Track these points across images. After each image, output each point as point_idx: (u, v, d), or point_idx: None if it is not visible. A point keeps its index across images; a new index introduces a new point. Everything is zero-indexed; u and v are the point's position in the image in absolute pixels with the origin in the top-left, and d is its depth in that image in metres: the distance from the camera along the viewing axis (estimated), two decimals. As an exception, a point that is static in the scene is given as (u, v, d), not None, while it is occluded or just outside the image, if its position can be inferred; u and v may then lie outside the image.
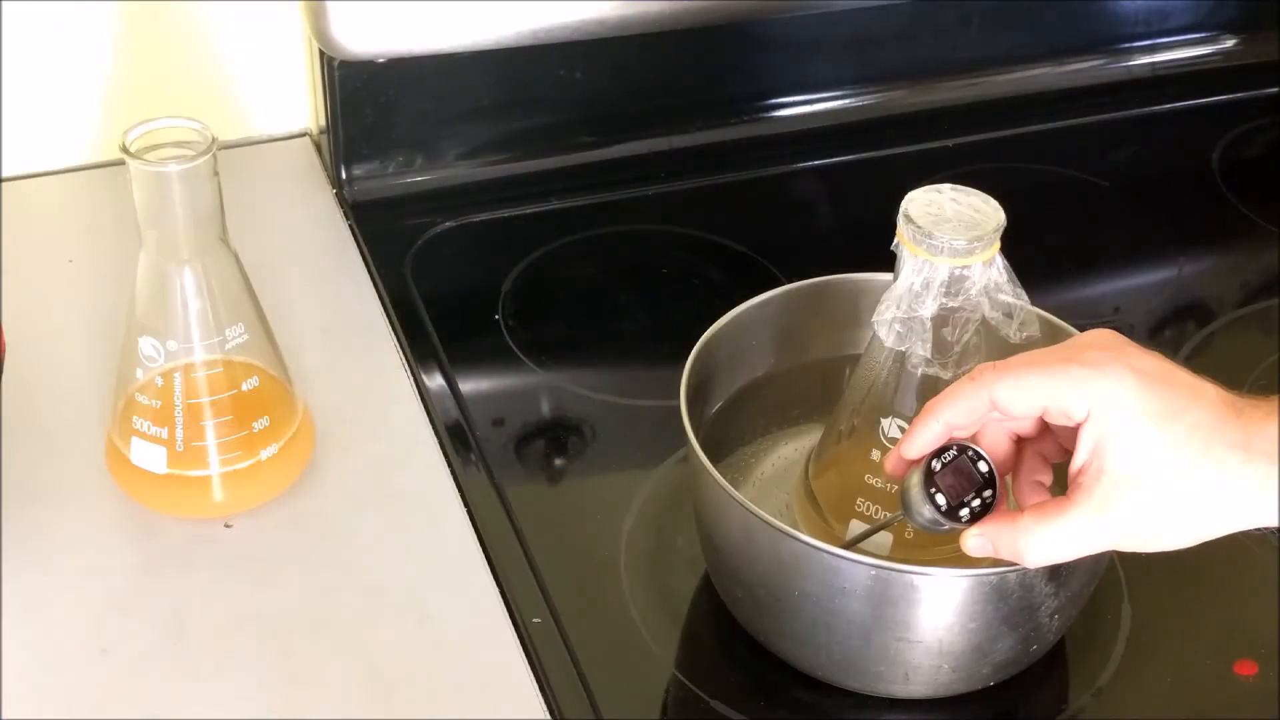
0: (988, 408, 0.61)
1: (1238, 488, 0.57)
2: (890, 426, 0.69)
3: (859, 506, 0.71)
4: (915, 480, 0.62)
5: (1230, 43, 1.20)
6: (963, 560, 0.70)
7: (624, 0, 0.95)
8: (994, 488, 0.62)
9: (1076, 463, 0.59)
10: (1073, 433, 0.60)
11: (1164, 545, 0.59)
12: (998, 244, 0.66)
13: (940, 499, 0.61)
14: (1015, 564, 0.61)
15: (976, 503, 0.62)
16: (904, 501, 0.63)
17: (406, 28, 0.92)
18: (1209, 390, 0.59)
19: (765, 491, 0.77)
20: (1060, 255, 1.00)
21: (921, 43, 1.11)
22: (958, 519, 0.62)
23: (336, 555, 0.75)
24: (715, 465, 0.67)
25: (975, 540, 0.61)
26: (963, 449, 0.62)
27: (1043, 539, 0.60)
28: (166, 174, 0.67)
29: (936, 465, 0.62)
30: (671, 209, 1.03)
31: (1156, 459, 0.58)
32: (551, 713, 0.69)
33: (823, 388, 0.79)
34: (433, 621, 0.72)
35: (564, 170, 1.05)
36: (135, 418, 0.73)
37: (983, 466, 0.62)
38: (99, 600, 0.72)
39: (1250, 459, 0.57)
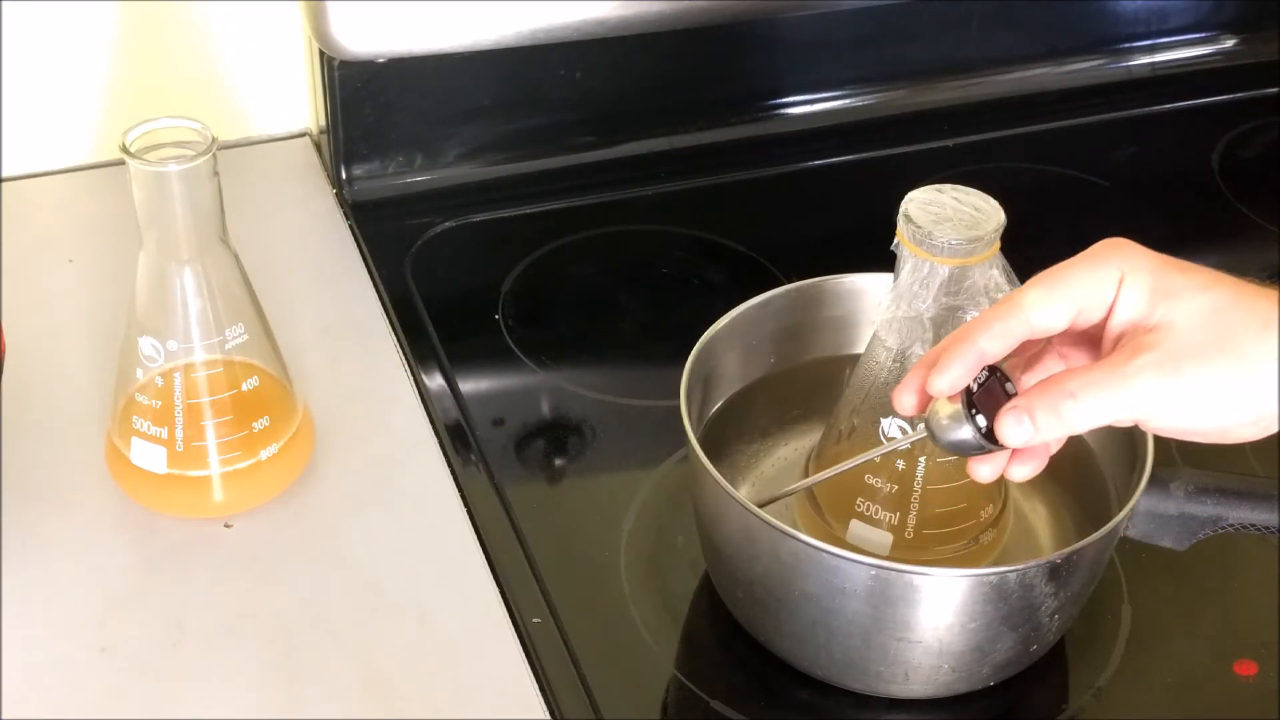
0: (1023, 328, 0.60)
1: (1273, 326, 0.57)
2: (890, 426, 0.69)
3: (859, 506, 0.71)
4: (944, 402, 0.61)
5: (1230, 43, 1.20)
6: (963, 560, 0.70)
7: (624, 0, 0.95)
8: None
9: (1118, 320, 0.59)
10: (1100, 329, 0.60)
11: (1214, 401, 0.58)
12: (998, 244, 0.66)
13: (981, 420, 0.60)
14: (1049, 443, 0.59)
15: None
16: (933, 426, 0.61)
17: (406, 28, 0.92)
18: None
19: (765, 491, 0.77)
20: (1060, 255, 0.99)
21: (921, 43, 1.11)
22: (995, 441, 0.60)
23: (336, 555, 0.75)
24: (715, 465, 0.67)
25: (1008, 420, 0.58)
26: (993, 371, 0.61)
27: (1093, 383, 0.57)
28: (166, 174, 0.67)
29: (974, 386, 0.60)
30: (671, 209, 1.03)
31: (1193, 297, 0.58)
32: (551, 713, 0.69)
33: (823, 388, 0.79)
34: (433, 621, 0.72)
35: (564, 170, 1.05)
36: (135, 418, 0.74)
37: (1010, 388, 0.61)
38: (99, 600, 0.72)
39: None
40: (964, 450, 0.61)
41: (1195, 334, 0.57)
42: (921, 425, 0.62)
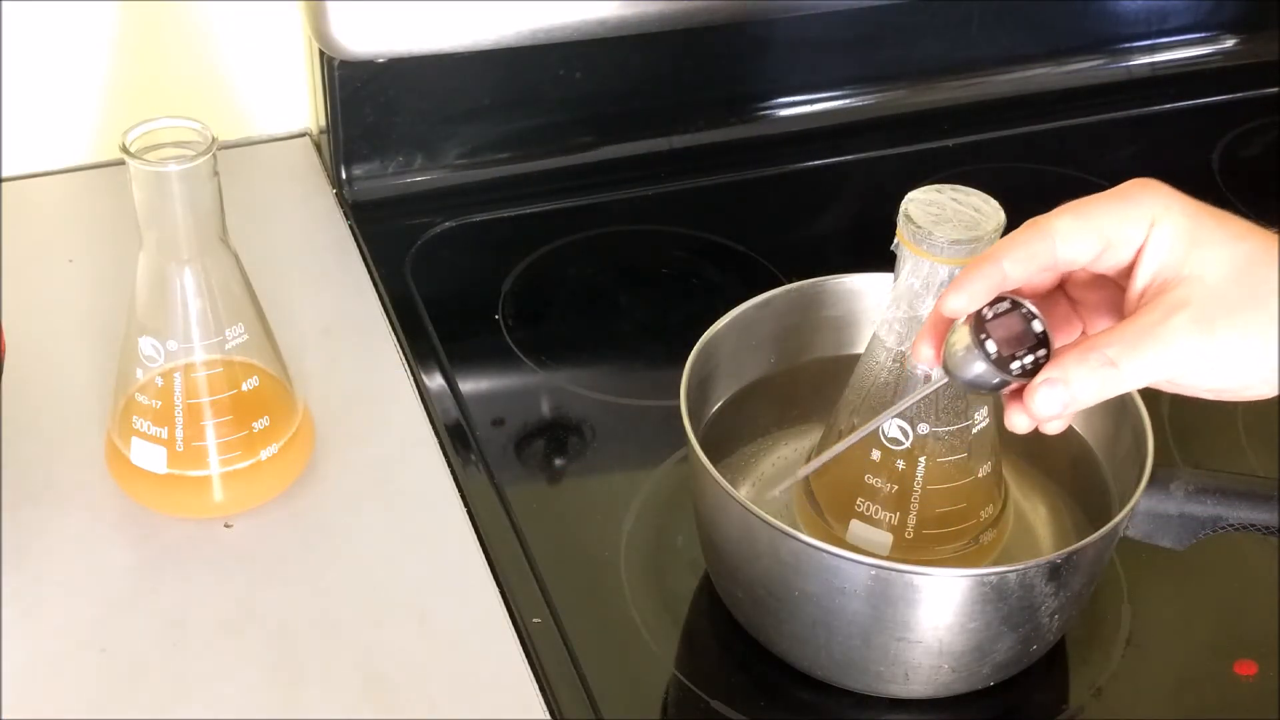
0: (1048, 254, 0.57)
1: None
2: (890, 426, 0.69)
3: (859, 506, 0.71)
4: (961, 333, 0.57)
5: (1230, 43, 1.20)
6: (963, 560, 0.70)
7: (624, 0, 0.95)
8: (1048, 349, 0.57)
9: (1147, 265, 0.56)
10: (1124, 275, 0.57)
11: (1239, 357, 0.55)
12: (998, 244, 0.66)
13: (990, 345, 0.56)
14: (1081, 407, 0.55)
15: (1029, 359, 0.57)
16: (947, 361, 0.58)
17: (406, 28, 0.92)
18: None
19: (765, 491, 0.77)
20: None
21: (921, 43, 1.11)
22: (1009, 371, 0.56)
23: (336, 555, 0.75)
24: (715, 465, 0.67)
25: (1043, 391, 0.55)
26: (1016, 304, 0.57)
27: (1132, 346, 0.55)
28: (166, 174, 0.67)
29: (988, 314, 0.57)
30: (671, 209, 1.03)
31: (1225, 246, 0.56)
32: (551, 713, 0.69)
33: (823, 388, 0.79)
34: (433, 621, 0.72)
35: (564, 170, 1.05)
36: (135, 418, 0.74)
37: (1037, 326, 0.57)
38: (99, 600, 0.72)
39: None
40: (982, 385, 0.58)
41: (1227, 289, 0.55)
42: (936, 371, 0.60)
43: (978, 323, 0.57)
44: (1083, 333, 0.62)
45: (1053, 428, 0.58)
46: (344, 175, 1.01)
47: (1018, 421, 0.58)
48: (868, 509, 0.71)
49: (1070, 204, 0.58)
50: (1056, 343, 0.58)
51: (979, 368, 0.57)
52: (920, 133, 1.11)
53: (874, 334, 0.69)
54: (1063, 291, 0.62)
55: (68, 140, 1.00)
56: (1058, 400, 0.56)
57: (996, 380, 0.57)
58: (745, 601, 0.71)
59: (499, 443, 0.84)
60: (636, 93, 1.06)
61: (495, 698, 0.69)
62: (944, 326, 0.59)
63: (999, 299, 0.58)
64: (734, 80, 1.08)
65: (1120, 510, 0.67)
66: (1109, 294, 0.60)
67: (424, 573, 0.75)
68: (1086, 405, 0.56)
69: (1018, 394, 0.57)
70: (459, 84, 1.00)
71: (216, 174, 0.69)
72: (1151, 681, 0.73)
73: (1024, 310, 0.58)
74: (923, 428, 0.68)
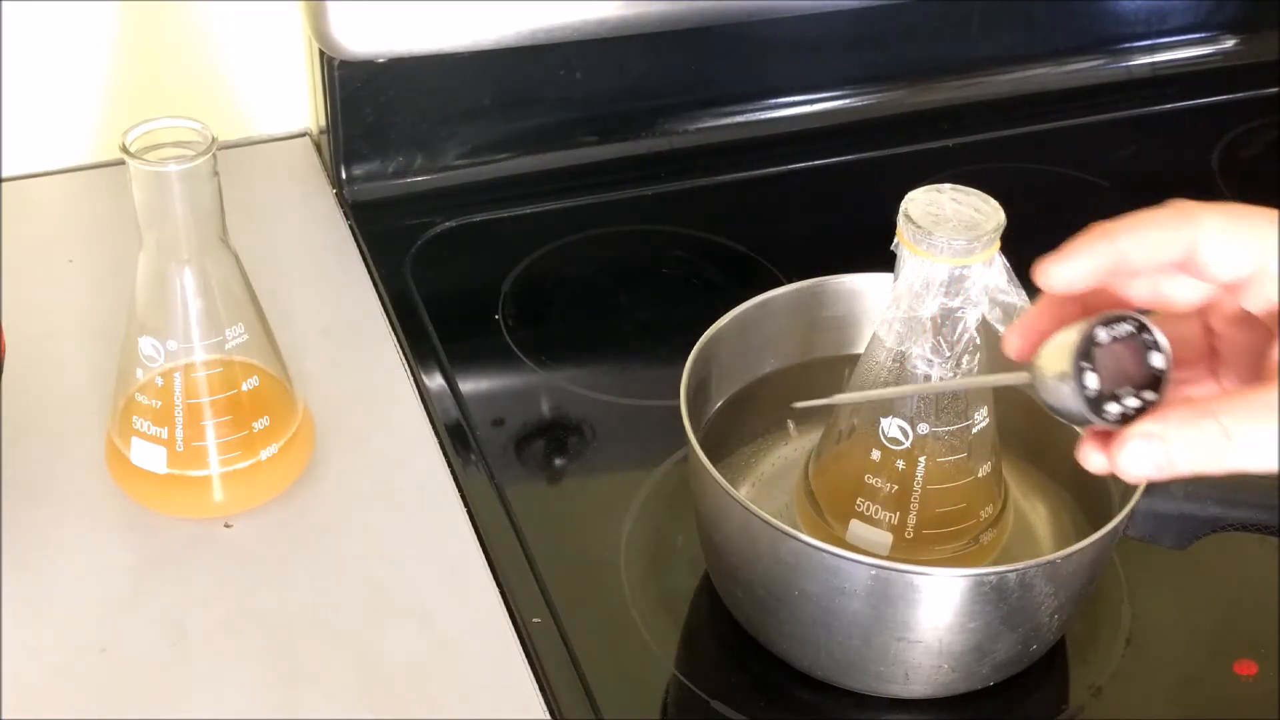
0: (1183, 245, 0.47)
1: None
2: (890, 426, 0.69)
3: (859, 506, 0.71)
4: (1061, 349, 0.47)
5: (1230, 43, 1.20)
6: (963, 560, 0.70)
7: (624, 0, 0.95)
8: (1159, 392, 0.47)
9: None
10: (1273, 319, 0.47)
11: None
12: (998, 244, 0.66)
13: (1091, 379, 0.46)
14: (1175, 474, 0.46)
15: (1133, 403, 0.47)
16: (1034, 374, 0.48)
17: (406, 28, 0.92)
18: None
19: (765, 491, 0.77)
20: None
21: (921, 43, 1.11)
22: (1101, 414, 0.47)
23: (336, 555, 0.75)
24: (715, 465, 0.67)
25: (1137, 445, 0.45)
26: (1142, 327, 0.47)
27: (1254, 418, 0.44)
28: (166, 174, 0.67)
29: (1103, 336, 0.46)
30: (671, 209, 1.03)
31: None
32: (551, 713, 0.69)
33: (823, 388, 0.78)
34: (433, 621, 0.72)
35: (564, 170, 1.05)
36: (135, 418, 0.73)
37: (1156, 360, 0.47)
38: (99, 600, 0.72)
39: None
40: (1068, 417, 0.48)
41: None
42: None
43: (1086, 343, 0.47)
44: (1210, 374, 0.52)
45: (1129, 479, 0.48)
46: (344, 175, 1.01)
47: (1093, 461, 0.48)
48: (868, 509, 0.71)
49: (1223, 205, 0.48)
50: (1175, 380, 0.48)
51: (1067, 399, 0.47)
52: (920, 133, 1.11)
53: (874, 334, 0.69)
54: (1201, 320, 0.52)
55: (68, 140, 1.00)
56: (1150, 461, 0.46)
57: (1084, 419, 0.48)
58: (745, 601, 0.71)
59: (499, 443, 0.84)
60: (636, 93, 1.06)
61: (495, 698, 0.69)
62: (1046, 318, 0.50)
63: (1121, 316, 0.48)
64: (734, 80, 1.08)
65: (1120, 510, 0.67)
66: (1256, 340, 0.50)
67: (424, 573, 0.75)
68: (1182, 474, 0.46)
69: (1105, 432, 0.48)
70: (459, 84, 1.00)
71: (216, 174, 0.69)
72: (1151, 681, 0.73)
73: (1147, 338, 0.48)
74: (923, 428, 0.68)
